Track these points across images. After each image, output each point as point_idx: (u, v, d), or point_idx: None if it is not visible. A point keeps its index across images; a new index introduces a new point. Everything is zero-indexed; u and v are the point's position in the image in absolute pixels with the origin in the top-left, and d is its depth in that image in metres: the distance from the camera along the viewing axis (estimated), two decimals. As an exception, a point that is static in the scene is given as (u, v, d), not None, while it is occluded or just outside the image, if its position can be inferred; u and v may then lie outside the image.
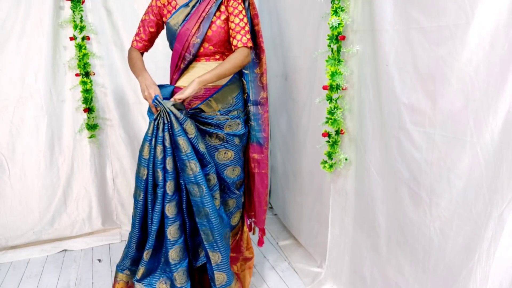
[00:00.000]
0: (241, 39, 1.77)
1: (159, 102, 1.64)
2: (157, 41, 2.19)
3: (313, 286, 2.20)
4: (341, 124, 1.93)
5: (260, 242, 2.16)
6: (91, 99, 2.74)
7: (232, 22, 1.78)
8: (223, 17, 1.79)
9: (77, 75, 2.71)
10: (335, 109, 1.90)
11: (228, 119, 1.85)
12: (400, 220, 1.63)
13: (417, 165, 1.50)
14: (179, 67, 1.84)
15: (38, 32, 2.59)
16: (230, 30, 1.79)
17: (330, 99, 1.91)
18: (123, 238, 2.85)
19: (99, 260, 2.61)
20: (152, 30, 1.88)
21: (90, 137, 2.79)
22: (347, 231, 2.06)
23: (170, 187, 1.70)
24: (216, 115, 1.82)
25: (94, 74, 2.76)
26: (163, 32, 1.95)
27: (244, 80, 1.93)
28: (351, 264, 2.05)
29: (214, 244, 1.76)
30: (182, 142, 1.65)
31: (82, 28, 2.64)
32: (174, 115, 1.65)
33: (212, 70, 1.72)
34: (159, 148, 1.66)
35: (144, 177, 1.72)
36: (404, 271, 1.64)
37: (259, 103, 1.91)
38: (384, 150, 1.70)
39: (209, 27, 1.77)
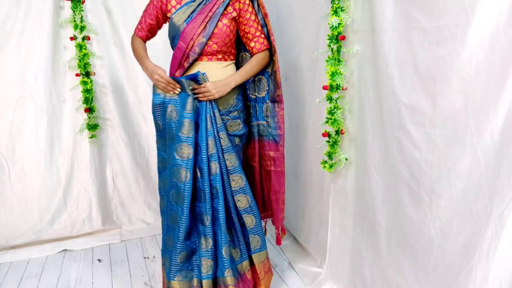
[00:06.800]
0: (262, 42, 1.87)
1: (181, 79, 1.77)
2: (157, 41, 2.18)
3: (313, 286, 2.20)
4: (341, 124, 1.93)
5: (278, 241, 2.16)
6: (92, 99, 2.74)
7: (247, 25, 1.85)
8: (229, 16, 1.81)
9: (77, 75, 2.71)
10: (335, 109, 1.90)
11: (229, 119, 1.87)
12: (400, 220, 1.63)
13: (417, 165, 1.50)
14: (183, 65, 1.84)
15: (38, 32, 2.59)
16: (247, 35, 1.86)
17: (330, 99, 1.91)
18: (123, 238, 2.85)
19: (99, 260, 2.61)
20: (151, 22, 1.90)
21: (90, 137, 2.79)
22: (347, 231, 2.06)
23: (220, 155, 1.82)
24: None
25: (94, 74, 2.76)
26: (163, 33, 1.95)
27: (264, 78, 1.96)
28: (351, 264, 2.05)
29: (249, 208, 1.90)
30: (209, 118, 1.79)
31: (82, 28, 2.64)
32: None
33: (241, 71, 1.84)
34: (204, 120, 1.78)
35: (191, 156, 1.76)
36: (404, 271, 1.64)
37: (275, 100, 1.94)
38: (384, 150, 1.70)
39: (215, 26, 1.79)
